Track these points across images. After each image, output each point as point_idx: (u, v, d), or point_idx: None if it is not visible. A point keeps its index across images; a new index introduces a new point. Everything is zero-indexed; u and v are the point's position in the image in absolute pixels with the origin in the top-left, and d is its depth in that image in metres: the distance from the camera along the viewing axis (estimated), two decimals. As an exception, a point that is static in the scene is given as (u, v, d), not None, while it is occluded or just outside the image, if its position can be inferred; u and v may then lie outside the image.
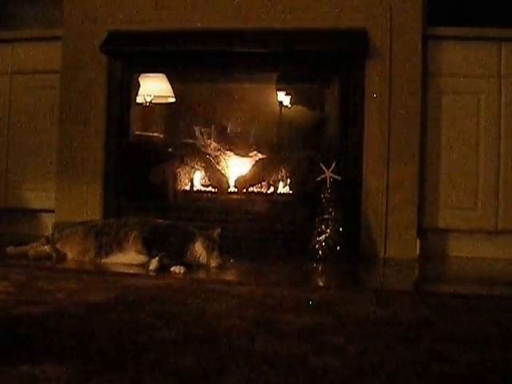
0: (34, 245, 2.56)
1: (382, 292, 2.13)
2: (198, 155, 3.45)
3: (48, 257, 2.50)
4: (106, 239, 2.49)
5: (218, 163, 3.45)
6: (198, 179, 3.44)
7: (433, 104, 3.07)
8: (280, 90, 3.49)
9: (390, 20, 2.99)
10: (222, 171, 3.45)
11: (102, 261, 2.47)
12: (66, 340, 1.33)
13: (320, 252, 2.82)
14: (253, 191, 3.36)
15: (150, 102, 3.52)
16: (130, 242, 2.46)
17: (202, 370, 1.15)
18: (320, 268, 2.75)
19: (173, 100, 3.61)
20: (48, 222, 3.36)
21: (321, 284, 2.53)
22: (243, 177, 3.40)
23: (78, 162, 3.24)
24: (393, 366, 1.22)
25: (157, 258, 2.37)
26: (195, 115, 3.55)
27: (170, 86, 3.56)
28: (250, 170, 3.41)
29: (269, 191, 3.37)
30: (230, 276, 2.43)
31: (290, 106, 3.54)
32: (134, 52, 3.23)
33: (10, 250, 2.58)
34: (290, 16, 3.06)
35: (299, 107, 3.54)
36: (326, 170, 2.91)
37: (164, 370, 1.13)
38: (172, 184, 3.41)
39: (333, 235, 2.82)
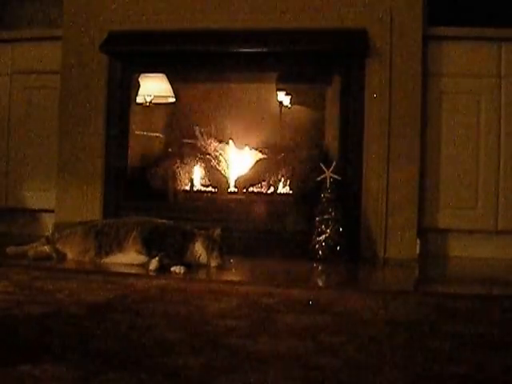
0: (34, 245, 2.56)
1: (381, 292, 2.13)
2: (198, 155, 3.45)
3: (48, 257, 2.50)
4: (106, 239, 2.48)
5: (218, 163, 3.45)
6: (197, 179, 3.44)
7: (433, 104, 3.07)
8: (280, 89, 3.49)
9: (391, 20, 2.99)
10: (222, 171, 3.45)
11: (102, 261, 2.47)
12: (66, 340, 1.33)
13: (320, 252, 2.82)
14: (253, 191, 3.36)
15: (150, 102, 3.52)
16: (130, 242, 2.46)
17: (202, 369, 1.15)
18: (320, 268, 2.76)
19: (173, 100, 3.61)
20: (48, 221, 3.36)
21: (321, 284, 2.54)
22: (243, 177, 3.40)
23: (78, 162, 3.24)
24: (393, 366, 1.22)
25: (157, 258, 2.37)
26: (195, 115, 3.55)
27: (169, 86, 3.56)
28: (250, 169, 3.40)
29: (269, 191, 3.36)
30: (229, 276, 2.43)
31: (290, 106, 3.54)
32: (134, 52, 3.23)
33: (10, 249, 2.58)
34: (290, 16, 3.06)
35: (299, 107, 3.54)
36: (326, 169, 2.91)
37: (164, 370, 1.13)
38: (172, 184, 3.40)
39: (333, 235, 2.82)
